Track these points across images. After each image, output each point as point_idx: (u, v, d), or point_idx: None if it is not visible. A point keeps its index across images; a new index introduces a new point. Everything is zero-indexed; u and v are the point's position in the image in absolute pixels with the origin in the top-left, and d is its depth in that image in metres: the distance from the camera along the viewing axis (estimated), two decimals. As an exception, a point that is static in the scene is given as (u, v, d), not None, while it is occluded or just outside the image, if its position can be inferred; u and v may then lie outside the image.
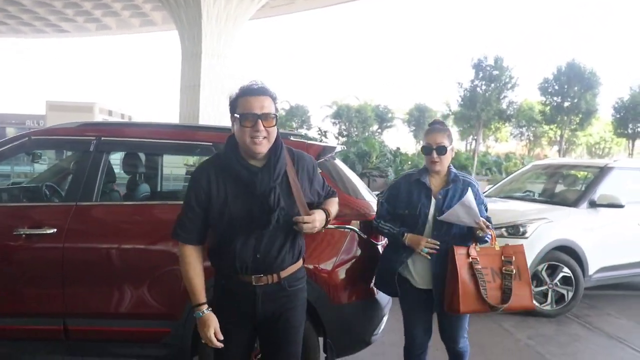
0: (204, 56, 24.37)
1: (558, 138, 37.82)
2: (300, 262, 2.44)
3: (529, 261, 5.29)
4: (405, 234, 3.02)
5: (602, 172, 6.64)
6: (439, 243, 2.96)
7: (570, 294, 5.88)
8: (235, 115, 2.19)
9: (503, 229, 5.73)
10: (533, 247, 5.63)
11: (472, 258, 2.96)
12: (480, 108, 31.91)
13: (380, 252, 3.32)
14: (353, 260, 3.24)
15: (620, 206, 6.18)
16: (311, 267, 3.12)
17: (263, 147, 2.19)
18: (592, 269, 6.08)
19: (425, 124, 50.10)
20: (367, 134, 45.25)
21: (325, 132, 22.18)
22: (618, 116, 37.47)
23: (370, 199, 3.60)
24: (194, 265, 2.31)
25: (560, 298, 5.90)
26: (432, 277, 3.03)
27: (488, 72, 32.22)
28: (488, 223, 2.96)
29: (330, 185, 2.59)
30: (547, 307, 5.84)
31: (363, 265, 3.28)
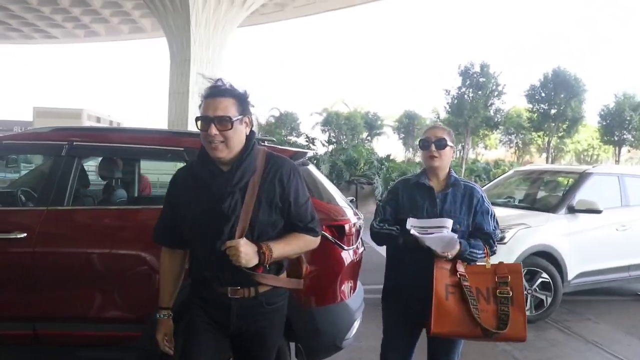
0: (192, 63, 24.42)
1: (546, 145, 38.06)
2: (283, 277, 2.24)
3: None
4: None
5: (581, 177, 6.70)
6: None
7: (549, 300, 5.91)
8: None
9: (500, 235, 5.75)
10: (512, 253, 5.66)
11: (459, 274, 2.62)
12: (468, 115, 32.02)
13: (350, 257, 3.33)
14: (323, 265, 3.24)
15: (599, 211, 6.24)
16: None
17: (220, 152, 2.06)
18: (571, 274, 6.13)
19: (415, 132, 50.72)
20: (356, 141, 45.32)
21: (313, 139, 22.17)
22: (604, 123, 37.82)
23: (344, 205, 3.62)
24: (165, 268, 2.29)
25: (539, 303, 5.93)
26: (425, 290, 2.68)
27: (475, 79, 32.40)
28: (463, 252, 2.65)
29: (314, 215, 2.26)
30: (527, 313, 5.85)
31: (332, 269, 3.28)
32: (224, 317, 2.17)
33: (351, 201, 4.02)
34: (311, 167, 3.73)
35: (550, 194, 7.38)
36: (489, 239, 2.79)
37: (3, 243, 3.25)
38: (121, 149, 3.70)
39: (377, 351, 3.04)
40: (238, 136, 2.08)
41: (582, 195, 6.41)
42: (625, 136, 37.30)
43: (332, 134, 48.50)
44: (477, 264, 2.74)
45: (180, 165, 2.74)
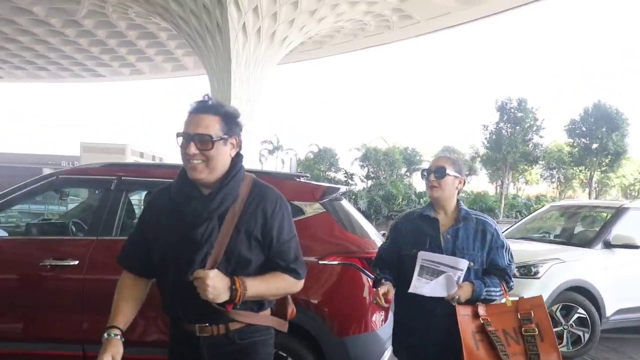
0: (233, 100, 24.99)
1: (588, 180, 37.35)
2: (263, 314, 2.01)
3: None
4: (384, 281, 2.63)
5: (617, 212, 6.66)
6: (390, 298, 2.57)
7: (587, 336, 5.84)
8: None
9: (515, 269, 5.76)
10: (546, 287, 5.65)
11: (482, 318, 2.46)
12: (506, 150, 31.88)
13: None
14: (354, 295, 3.39)
15: (636, 247, 6.17)
16: (315, 301, 3.30)
17: (199, 173, 1.88)
18: (609, 310, 6.04)
19: (453, 166, 50.18)
20: (394, 177, 45.34)
21: (351, 174, 22.40)
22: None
23: (375, 238, 3.77)
24: (124, 290, 2.09)
25: (576, 340, 5.86)
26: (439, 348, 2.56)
27: (512, 114, 32.29)
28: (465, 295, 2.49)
29: (298, 255, 2.04)
30: (563, 349, 5.80)
31: (363, 299, 3.42)
32: (196, 357, 1.96)
33: (383, 235, 4.16)
34: (344, 202, 3.91)
35: (586, 229, 7.32)
36: (505, 275, 2.65)
37: (58, 269, 3.52)
38: (163, 183, 3.94)
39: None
40: (221, 157, 1.90)
41: (619, 230, 6.36)
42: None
43: (371, 170, 48.61)
44: (498, 302, 2.61)
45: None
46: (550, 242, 7.06)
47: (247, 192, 1.96)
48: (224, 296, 1.81)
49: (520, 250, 6.41)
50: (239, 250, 1.91)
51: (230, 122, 1.93)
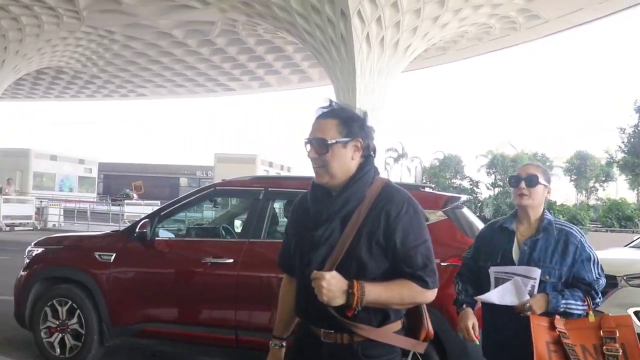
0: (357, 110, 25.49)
1: None
2: (387, 330, 1.88)
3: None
4: (464, 306, 2.64)
5: None
6: (478, 334, 2.56)
7: None
8: None
9: (623, 279, 5.60)
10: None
11: (559, 331, 2.31)
12: (647, 154, 29.67)
13: None
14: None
15: None
16: (438, 300, 3.64)
17: (321, 177, 1.90)
18: None
19: (587, 173, 47.45)
20: (522, 183, 43.52)
21: (477, 182, 22.06)
22: None
23: None
24: (281, 295, 2.17)
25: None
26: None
27: (654, 115, 29.98)
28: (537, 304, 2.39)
29: (428, 263, 1.88)
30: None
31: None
32: None
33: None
34: (465, 210, 4.24)
35: None
36: (591, 290, 2.49)
37: (216, 266, 4.22)
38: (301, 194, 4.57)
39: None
40: (339, 161, 1.87)
41: None
42: None
43: (498, 177, 47.25)
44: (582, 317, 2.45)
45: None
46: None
47: (376, 195, 1.89)
48: (339, 299, 1.75)
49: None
50: (359, 253, 1.83)
51: (351, 125, 1.90)
